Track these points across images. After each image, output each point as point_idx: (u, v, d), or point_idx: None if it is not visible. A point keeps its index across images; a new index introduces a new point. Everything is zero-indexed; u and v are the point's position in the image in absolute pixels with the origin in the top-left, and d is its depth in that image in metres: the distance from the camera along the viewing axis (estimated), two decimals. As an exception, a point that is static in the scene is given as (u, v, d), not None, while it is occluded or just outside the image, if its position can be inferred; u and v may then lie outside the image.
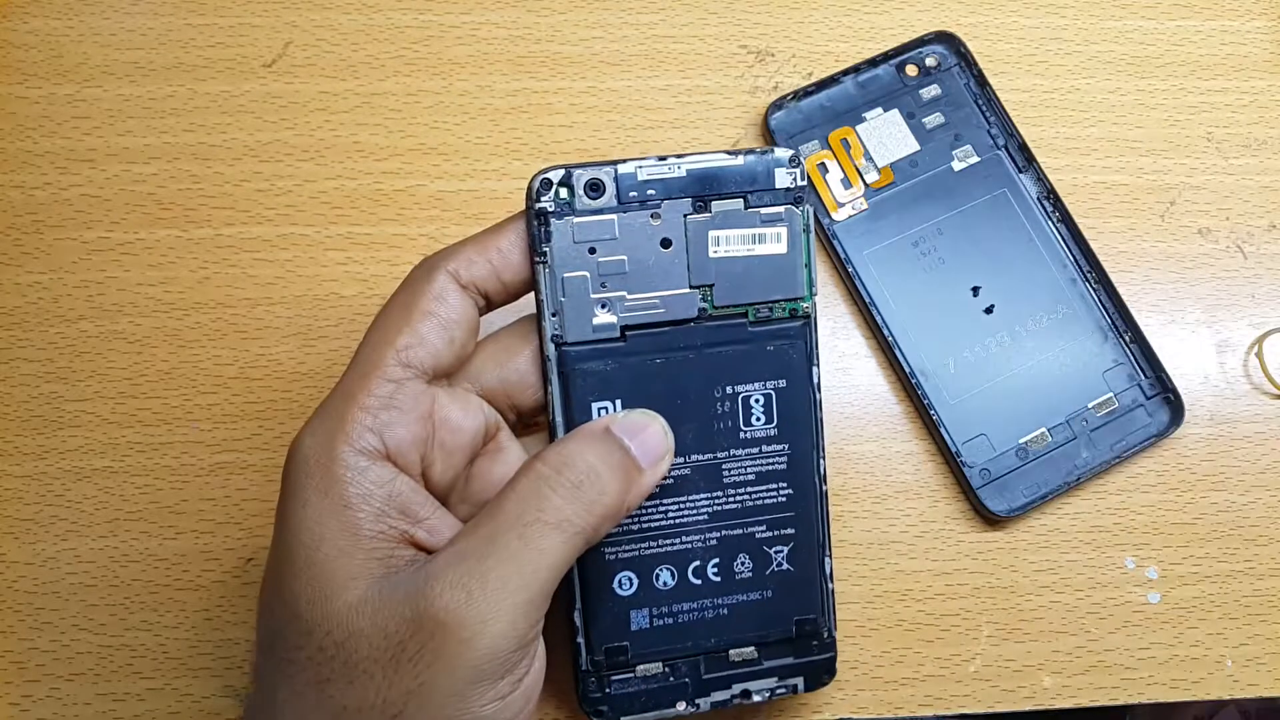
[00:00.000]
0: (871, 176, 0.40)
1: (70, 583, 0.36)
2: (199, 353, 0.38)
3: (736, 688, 0.31)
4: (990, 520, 0.38)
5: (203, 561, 0.36)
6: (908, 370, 0.38)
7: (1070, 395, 0.39)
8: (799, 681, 0.31)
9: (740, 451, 0.30)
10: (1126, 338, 0.39)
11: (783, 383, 0.29)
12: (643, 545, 0.30)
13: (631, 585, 0.30)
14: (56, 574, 0.36)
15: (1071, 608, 0.38)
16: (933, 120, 0.41)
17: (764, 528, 0.30)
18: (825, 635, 0.31)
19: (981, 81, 0.41)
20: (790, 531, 0.30)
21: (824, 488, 0.30)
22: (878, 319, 0.39)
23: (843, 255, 0.39)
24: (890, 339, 0.39)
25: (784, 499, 0.30)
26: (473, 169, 0.40)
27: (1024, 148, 0.41)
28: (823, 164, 0.40)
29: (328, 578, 0.24)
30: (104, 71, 0.41)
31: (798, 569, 0.30)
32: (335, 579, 0.24)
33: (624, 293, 0.28)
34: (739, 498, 0.30)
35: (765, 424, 0.30)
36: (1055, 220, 0.40)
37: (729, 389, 0.29)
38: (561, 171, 0.28)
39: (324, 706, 0.24)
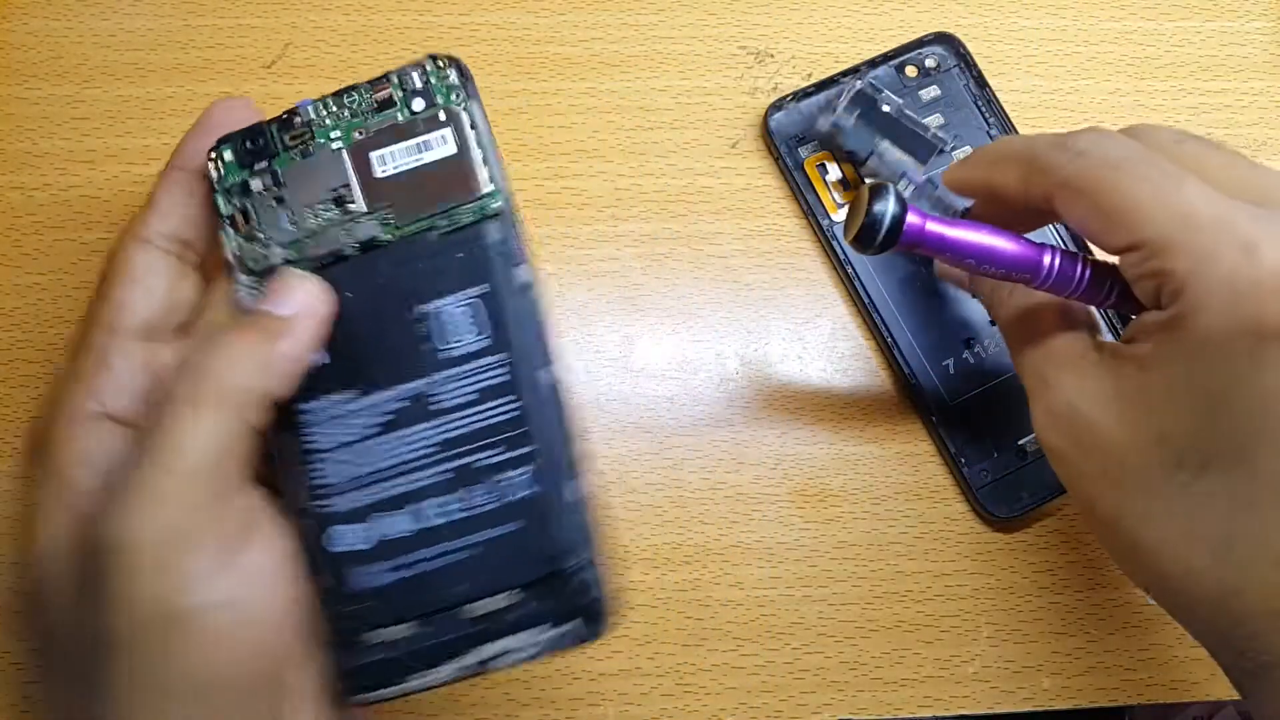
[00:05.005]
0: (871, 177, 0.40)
1: (69, 583, 0.36)
2: (198, 353, 0.38)
3: (494, 646, 0.27)
4: (990, 521, 0.38)
5: (202, 562, 0.36)
6: (907, 371, 0.38)
7: (1069, 396, 0.39)
8: (560, 633, 0.27)
9: (454, 370, 0.27)
10: (1126, 338, 0.39)
11: (485, 288, 0.27)
12: (368, 491, 0.27)
13: (361, 539, 0.27)
14: (56, 575, 0.36)
15: (1071, 609, 0.38)
16: (932, 121, 0.41)
17: (499, 449, 0.27)
18: (584, 572, 0.27)
19: (981, 82, 0.41)
20: (527, 450, 0.27)
21: (562, 397, 0.27)
22: (877, 320, 0.39)
23: (842, 256, 0.39)
24: (890, 339, 0.39)
25: (515, 414, 0.27)
26: (472, 170, 0.40)
27: (1023, 148, 0.41)
28: (822, 165, 0.40)
29: (36, 539, 0.25)
30: (103, 72, 0.41)
31: (544, 492, 0.27)
32: (40, 537, 0.25)
33: (294, 233, 0.28)
34: (464, 422, 0.27)
35: (478, 337, 0.27)
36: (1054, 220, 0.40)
37: (425, 308, 0.27)
38: (234, 142, 0.28)
39: (63, 666, 0.24)
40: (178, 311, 0.28)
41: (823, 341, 0.40)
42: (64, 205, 0.39)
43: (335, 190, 0.28)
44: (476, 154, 0.28)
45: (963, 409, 0.38)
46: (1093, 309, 0.31)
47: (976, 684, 0.37)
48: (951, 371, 0.39)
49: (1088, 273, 0.29)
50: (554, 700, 0.36)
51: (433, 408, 0.27)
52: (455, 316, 0.27)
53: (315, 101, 0.28)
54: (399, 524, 0.27)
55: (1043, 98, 0.43)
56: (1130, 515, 0.27)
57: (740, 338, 0.39)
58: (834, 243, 0.40)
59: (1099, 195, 0.27)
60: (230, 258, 0.28)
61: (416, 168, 0.27)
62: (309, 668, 0.26)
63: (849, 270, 0.39)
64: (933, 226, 0.28)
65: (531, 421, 0.27)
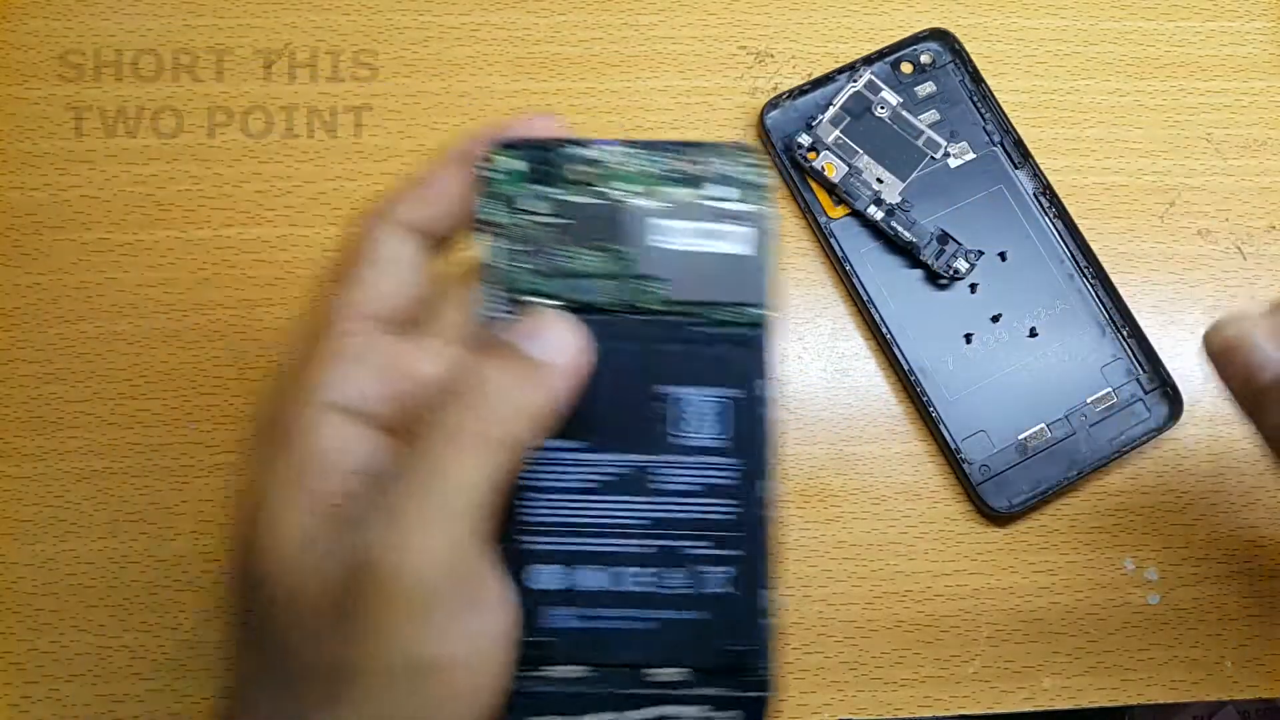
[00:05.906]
0: (870, 177, 0.40)
1: (69, 584, 0.36)
2: (198, 353, 0.38)
3: (659, 710, 0.29)
4: (990, 518, 0.38)
5: (202, 562, 0.36)
6: (906, 368, 0.38)
7: (1069, 390, 0.39)
8: (735, 716, 0.29)
9: (683, 458, 0.28)
10: (1124, 332, 0.39)
11: (739, 393, 0.28)
12: (572, 540, 0.28)
13: (556, 581, 0.28)
14: (56, 575, 0.36)
15: (1071, 609, 0.38)
16: (928, 117, 0.41)
17: (708, 544, 0.29)
18: (760, 672, 0.29)
19: (976, 78, 0.41)
20: (736, 554, 0.29)
21: (770, 513, 0.29)
22: (876, 317, 0.39)
23: (840, 254, 0.39)
24: (889, 336, 0.39)
25: (732, 517, 0.29)
26: (472, 170, 0.40)
27: (1019, 144, 0.41)
28: (819, 164, 0.40)
29: (276, 530, 0.23)
30: (103, 72, 0.41)
31: (741, 594, 0.29)
32: (282, 529, 0.23)
33: (557, 267, 0.28)
34: (680, 508, 0.29)
35: (718, 435, 0.28)
36: (1051, 216, 0.40)
37: (668, 390, 0.28)
38: (519, 151, 0.27)
39: (288, 671, 0.23)
40: (413, 305, 0.27)
41: (823, 341, 0.40)
42: (64, 205, 0.39)
43: (609, 240, 0.28)
44: (767, 262, 0.28)
45: (962, 404, 0.38)
46: None
47: (976, 684, 0.37)
48: (950, 367, 0.39)
49: None
50: (554, 700, 0.36)
51: (651, 485, 0.28)
52: (699, 409, 0.28)
53: (612, 143, 0.28)
54: (595, 578, 0.28)
55: (1043, 98, 0.43)
56: None
57: (740, 337, 0.39)
58: (831, 241, 0.40)
59: None
60: (482, 265, 0.27)
61: (702, 252, 0.28)
62: None
63: (846, 269, 0.39)
64: None
65: (744, 529, 0.28)
